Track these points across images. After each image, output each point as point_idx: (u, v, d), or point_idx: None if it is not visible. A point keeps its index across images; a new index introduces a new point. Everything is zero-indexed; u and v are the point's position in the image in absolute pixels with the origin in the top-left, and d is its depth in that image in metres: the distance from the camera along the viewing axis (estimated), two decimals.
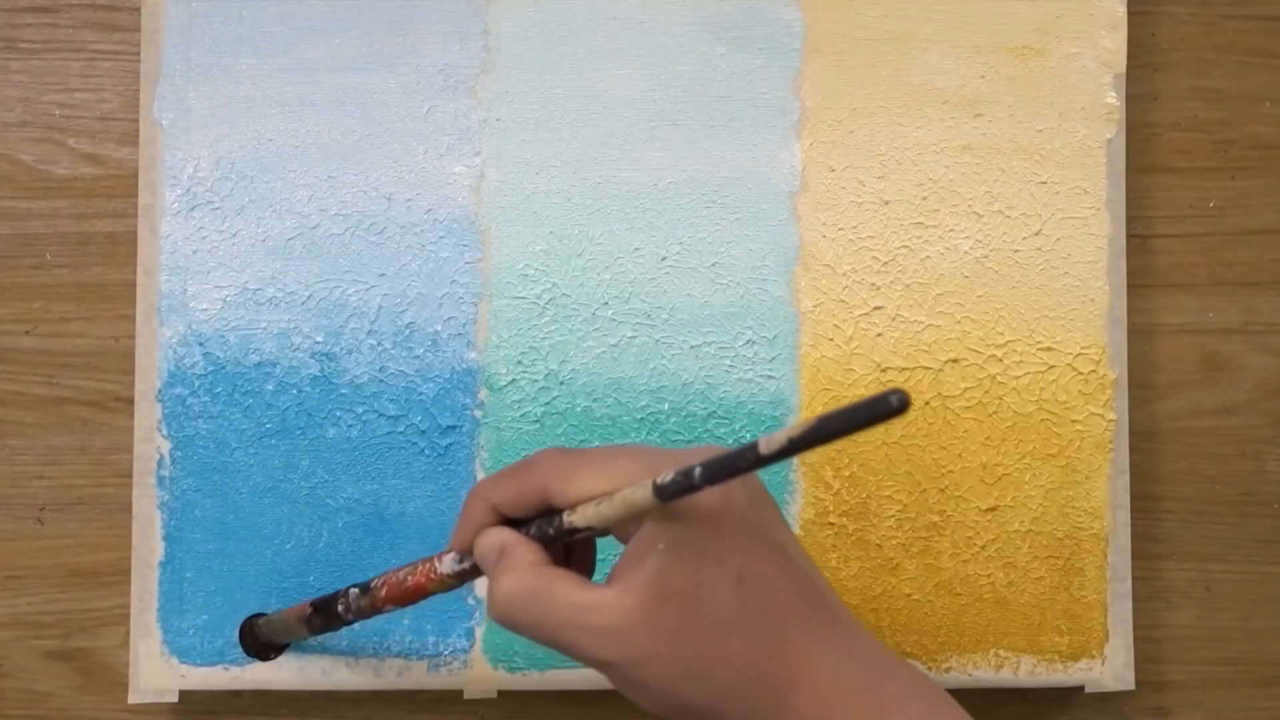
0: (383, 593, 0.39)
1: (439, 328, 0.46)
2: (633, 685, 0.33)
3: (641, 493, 0.31)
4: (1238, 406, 0.50)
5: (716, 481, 0.30)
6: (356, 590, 0.40)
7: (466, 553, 0.36)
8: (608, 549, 0.37)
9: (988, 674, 0.46)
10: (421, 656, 0.45)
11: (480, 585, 0.46)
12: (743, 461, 0.30)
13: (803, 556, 0.34)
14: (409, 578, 0.38)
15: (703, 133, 0.47)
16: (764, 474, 0.46)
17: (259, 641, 0.45)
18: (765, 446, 0.29)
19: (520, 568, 0.33)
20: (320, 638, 0.45)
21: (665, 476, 0.31)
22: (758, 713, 0.32)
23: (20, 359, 0.48)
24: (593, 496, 0.33)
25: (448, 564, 0.37)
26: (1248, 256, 0.50)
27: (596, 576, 0.36)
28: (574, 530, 0.33)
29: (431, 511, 0.46)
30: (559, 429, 0.46)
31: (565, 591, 0.32)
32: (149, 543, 0.45)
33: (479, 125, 0.47)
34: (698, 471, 0.30)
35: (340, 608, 0.40)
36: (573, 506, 0.33)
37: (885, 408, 0.27)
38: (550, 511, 0.34)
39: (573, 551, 0.36)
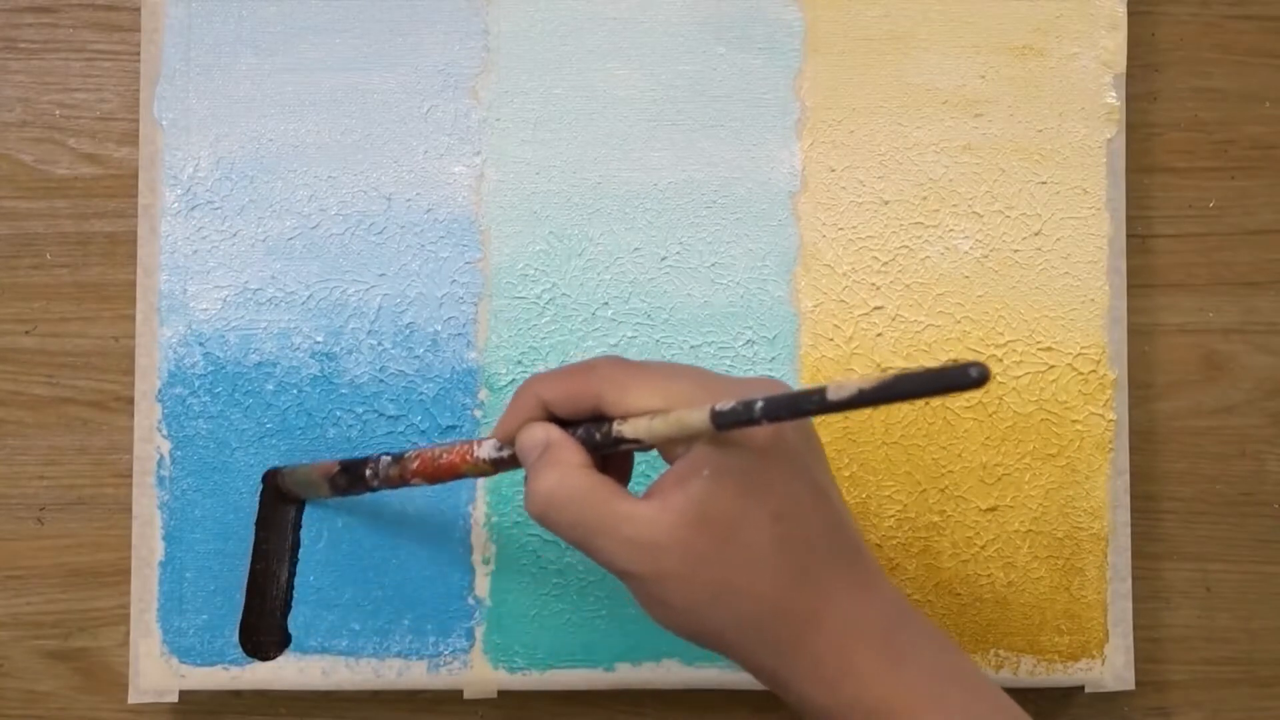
0: (414, 465, 0.39)
1: (439, 328, 0.46)
2: (654, 601, 0.33)
3: (698, 416, 0.31)
4: (1238, 406, 0.49)
5: (777, 419, 0.30)
6: (389, 458, 0.40)
7: (508, 443, 0.36)
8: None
9: (988, 674, 0.46)
10: (421, 656, 0.45)
11: (480, 584, 0.46)
12: (807, 404, 0.30)
13: (840, 502, 0.34)
14: (444, 455, 0.38)
15: (703, 133, 0.47)
16: None
17: (280, 495, 0.45)
18: (834, 393, 0.29)
19: (563, 466, 0.33)
20: (321, 636, 0.45)
21: (725, 405, 0.31)
22: (774, 646, 0.33)
23: (20, 359, 0.48)
24: (647, 411, 0.33)
25: (487, 449, 0.36)
26: (1248, 256, 0.50)
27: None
28: (621, 440, 0.33)
29: (431, 511, 0.46)
30: None
31: (606, 497, 0.32)
32: (149, 543, 0.45)
33: (479, 125, 0.47)
34: (759, 406, 0.30)
35: (368, 472, 0.40)
36: (625, 417, 0.33)
37: (963, 379, 0.26)
38: (599, 418, 0.34)
39: (609, 463, 0.36)
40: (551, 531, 0.34)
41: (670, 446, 0.33)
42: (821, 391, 0.29)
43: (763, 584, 0.32)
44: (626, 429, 0.33)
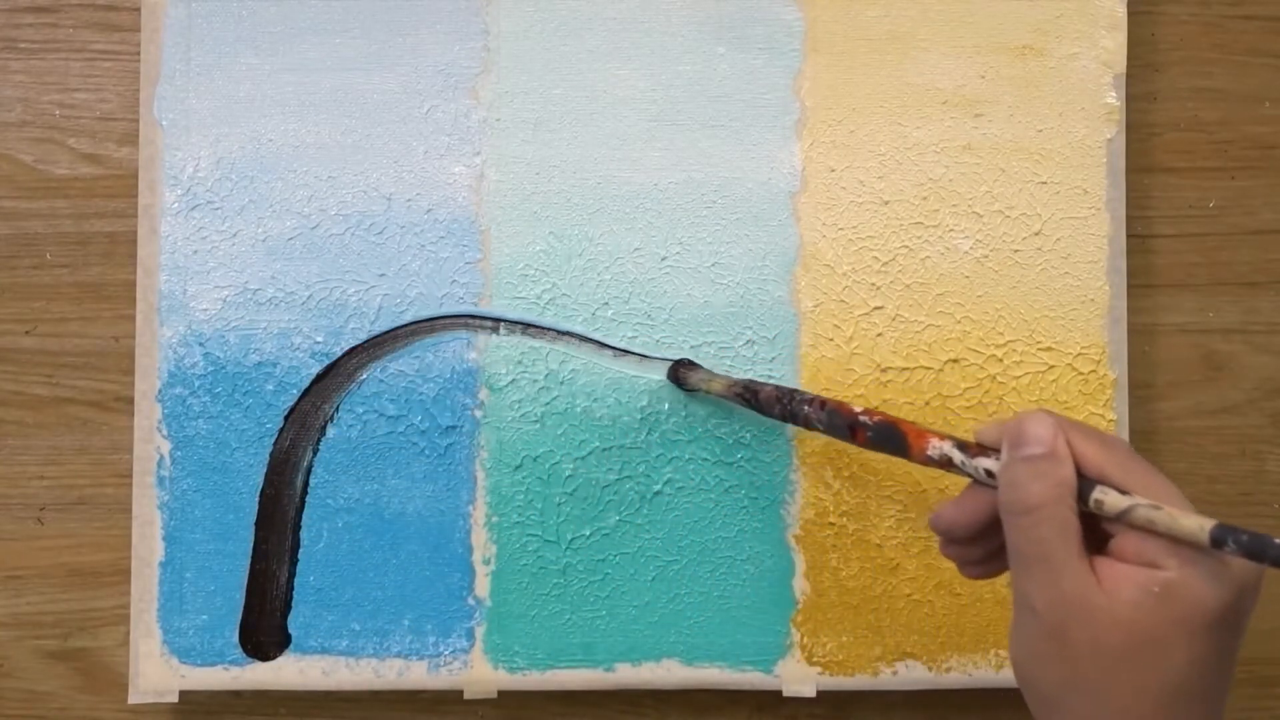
0: (865, 419, 0.37)
1: None
2: (1029, 638, 0.32)
3: (1194, 524, 0.31)
4: (1238, 406, 0.49)
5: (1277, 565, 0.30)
6: (833, 404, 0.38)
7: (983, 449, 0.34)
8: None
9: (988, 674, 0.46)
10: (421, 656, 0.45)
11: (480, 584, 0.46)
12: None
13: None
14: (901, 428, 0.36)
15: (703, 133, 0.47)
16: (762, 470, 0.46)
17: (678, 381, 0.45)
18: None
19: (1064, 489, 0.32)
20: (321, 636, 0.45)
21: (1232, 527, 0.30)
22: None
23: (20, 359, 0.48)
24: (1145, 498, 0.32)
25: (946, 447, 0.35)
26: (1248, 256, 0.50)
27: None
28: (1099, 507, 0.32)
29: (431, 512, 0.46)
30: (559, 429, 0.46)
31: (1075, 544, 0.32)
32: (149, 543, 0.45)
33: (479, 125, 0.47)
34: (1277, 544, 0.29)
35: (807, 408, 0.39)
36: (1125, 493, 0.32)
37: None
38: (1088, 479, 0.33)
39: None
40: (1005, 520, 0.33)
41: (1133, 544, 0.32)
42: None
43: (1123, 702, 0.32)
44: (1120, 502, 0.32)
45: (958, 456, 0.35)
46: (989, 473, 0.34)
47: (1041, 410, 0.34)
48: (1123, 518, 0.32)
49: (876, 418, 0.37)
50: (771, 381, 0.42)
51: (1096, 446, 0.33)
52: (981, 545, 0.35)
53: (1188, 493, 0.49)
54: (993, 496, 0.34)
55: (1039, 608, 0.32)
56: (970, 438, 0.35)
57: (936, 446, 0.35)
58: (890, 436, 0.36)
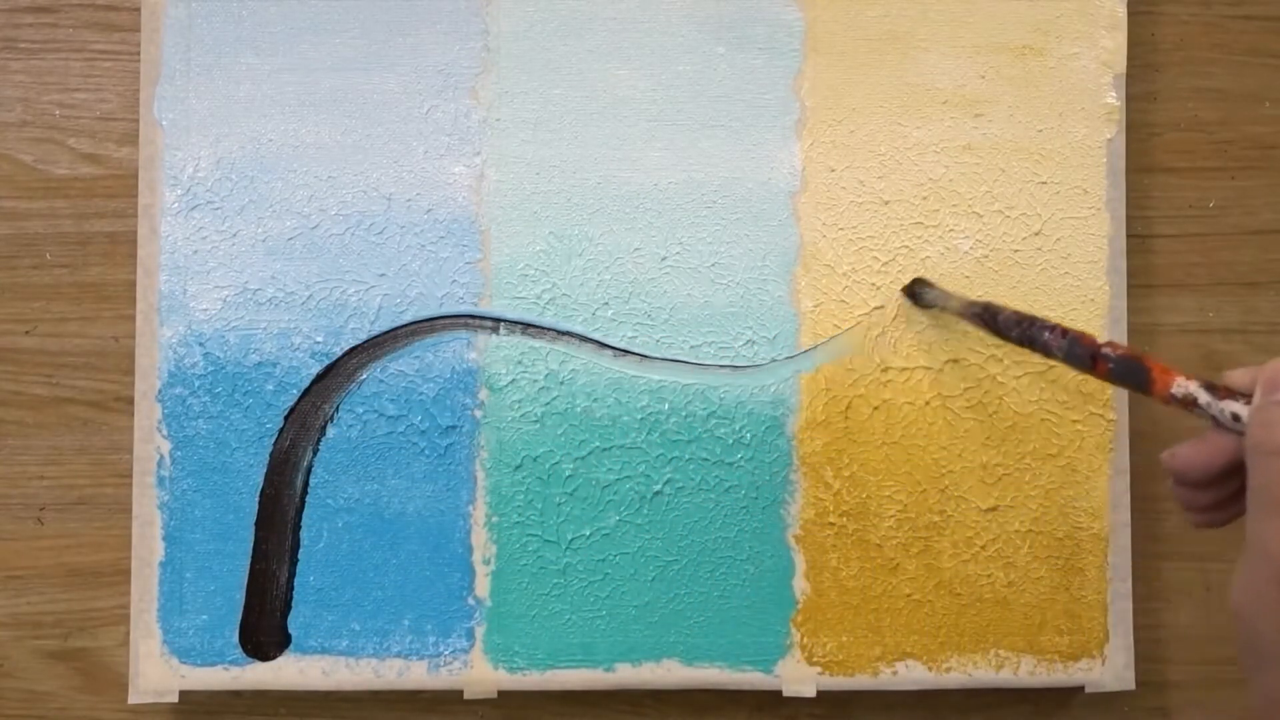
0: (1107, 353, 0.36)
1: None
2: (1260, 596, 0.32)
3: None
4: None
5: None
6: (1074, 334, 0.37)
7: (1231, 393, 0.34)
8: None
9: (988, 674, 0.46)
10: (421, 656, 0.45)
11: (480, 584, 0.46)
12: None
13: None
14: (1145, 365, 0.35)
15: (703, 133, 0.47)
16: (762, 470, 0.46)
17: (914, 297, 0.46)
18: None
19: None
20: (321, 636, 0.45)
21: None
22: None
23: (20, 359, 0.48)
24: None
25: (1193, 386, 0.34)
26: (1248, 256, 0.50)
27: None
28: None
29: (431, 512, 0.46)
30: (559, 429, 0.46)
31: None
32: (149, 543, 0.45)
33: (479, 125, 0.47)
34: None
35: (1047, 335, 0.38)
36: None
37: None
38: None
39: None
40: (1251, 460, 0.32)
41: None
42: None
43: None
44: None
45: (1204, 397, 0.34)
46: (1235, 416, 0.33)
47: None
48: None
49: (1120, 351, 0.36)
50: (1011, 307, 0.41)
51: None
52: (1212, 491, 0.35)
53: None
54: (1232, 442, 0.33)
55: (1275, 552, 0.31)
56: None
57: (1182, 385, 0.34)
58: (1133, 371, 0.36)
